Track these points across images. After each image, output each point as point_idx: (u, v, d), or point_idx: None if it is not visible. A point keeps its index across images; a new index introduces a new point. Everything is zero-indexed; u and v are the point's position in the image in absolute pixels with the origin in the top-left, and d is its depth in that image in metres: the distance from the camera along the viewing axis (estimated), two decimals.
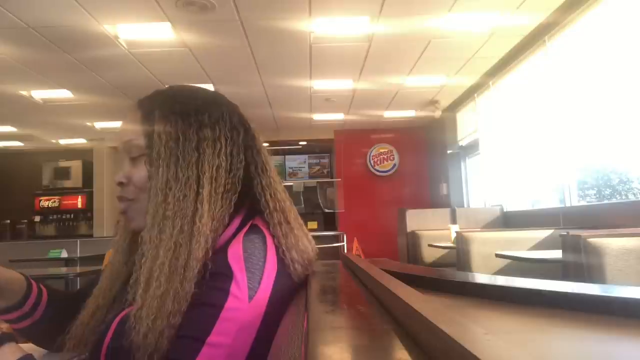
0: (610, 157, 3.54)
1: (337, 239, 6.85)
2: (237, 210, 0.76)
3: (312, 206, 8.09)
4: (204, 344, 0.62)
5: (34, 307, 0.85)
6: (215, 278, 0.66)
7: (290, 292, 0.74)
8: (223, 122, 0.76)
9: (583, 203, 3.72)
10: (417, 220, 4.84)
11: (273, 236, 0.75)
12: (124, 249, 0.82)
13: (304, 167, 8.49)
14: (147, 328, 0.64)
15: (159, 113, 0.75)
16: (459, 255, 3.19)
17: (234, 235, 0.73)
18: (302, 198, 8.22)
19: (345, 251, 6.65)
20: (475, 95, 5.34)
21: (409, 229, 4.80)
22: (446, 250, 4.02)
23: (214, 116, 0.76)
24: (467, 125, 5.78)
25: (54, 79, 4.65)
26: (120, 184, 0.77)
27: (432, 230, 4.57)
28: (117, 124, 6.63)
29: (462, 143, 6.02)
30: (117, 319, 0.70)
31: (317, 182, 8.25)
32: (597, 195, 3.77)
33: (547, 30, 3.71)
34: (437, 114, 6.06)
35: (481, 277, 0.75)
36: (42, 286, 0.89)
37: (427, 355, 0.34)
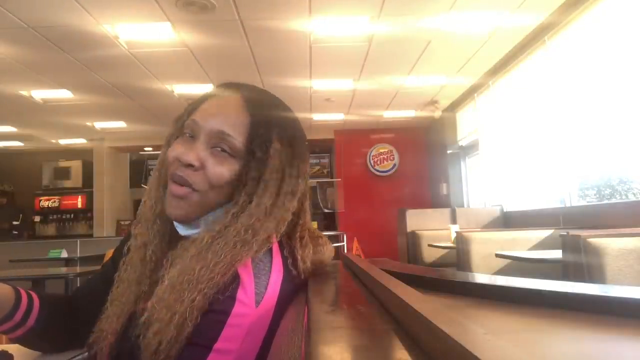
0: (611, 157, 3.54)
1: (337, 239, 6.85)
2: None
3: (312, 206, 8.07)
4: (211, 351, 0.62)
5: (25, 317, 0.81)
6: (224, 285, 0.66)
7: (297, 294, 0.74)
8: (303, 161, 0.78)
9: (583, 203, 3.72)
10: (417, 220, 4.84)
11: (280, 242, 0.75)
12: (146, 243, 0.77)
13: None
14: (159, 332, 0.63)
15: (277, 132, 0.73)
16: (459, 255, 3.19)
17: None
18: None
19: (345, 251, 6.65)
20: (475, 95, 5.34)
21: (409, 229, 4.80)
22: (446, 250, 4.02)
23: (306, 151, 0.78)
24: (467, 125, 5.78)
25: (54, 79, 4.65)
26: (190, 166, 0.70)
27: (432, 230, 4.57)
28: (117, 124, 6.62)
29: (462, 143, 6.02)
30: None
31: (317, 182, 8.25)
32: (597, 195, 3.77)
33: (547, 30, 3.71)
34: (437, 114, 6.06)
35: (481, 277, 0.75)
36: (32, 293, 0.85)
37: (427, 355, 0.34)
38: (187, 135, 0.73)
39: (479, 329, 0.33)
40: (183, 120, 0.75)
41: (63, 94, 5.05)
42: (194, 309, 0.64)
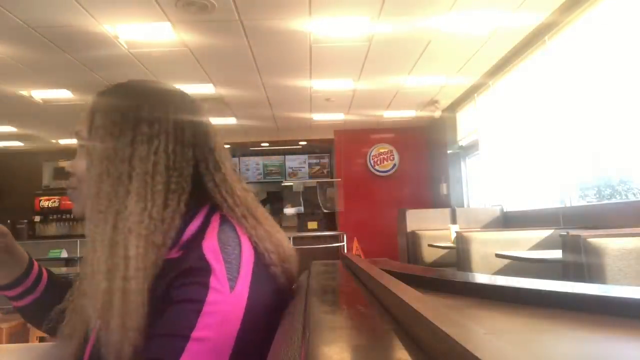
0: (611, 157, 3.54)
1: (337, 239, 6.85)
2: (198, 208, 0.75)
3: (312, 206, 8.09)
4: (189, 340, 0.61)
5: (34, 284, 0.88)
6: (192, 274, 0.65)
7: (270, 284, 0.73)
8: (166, 118, 0.74)
9: (583, 203, 3.72)
10: (417, 220, 4.84)
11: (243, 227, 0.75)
12: None
13: (304, 167, 8.49)
14: (100, 323, 0.65)
15: (103, 106, 0.75)
16: (459, 255, 3.19)
17: (200, 230, 0.72)
18: (302, 198, 8.22)
19: (345, 251, 6.65)
20: (475, 95, 5.34)
21: (409, 229, 4.80)
22: (446, 250, 4.02)
23: (157, 112, 0.74)
24: (467, 125, 5.78)
25: (54, 79, 4.65)
26: (68, 172, 0.79)
27: (432, 230, 4.57)
28: None
29: (462, 143, 6.02)
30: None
31: (317, 182, 8.25)
32: (597, 195, 3.77)
33: (547, 30, 3.71)
34: (437, 114, 6.06)
35: (481, 277, 0.75)
36: (42, 267, 0.92)
37: (427, 355, 0.34)
38: None
39: (479, 329, 0.33)
40: None
41: (63, 94, 5.05)
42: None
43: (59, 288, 0.92)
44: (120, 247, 0.66)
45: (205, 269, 0.65)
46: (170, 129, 0.73)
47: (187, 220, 0.73)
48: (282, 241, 0.79)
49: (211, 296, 0.63)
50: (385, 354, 0.36)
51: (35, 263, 0.90)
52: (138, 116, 0.73)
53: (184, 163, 0.73)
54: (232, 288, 0.65)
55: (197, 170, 0.75)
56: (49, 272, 0.94)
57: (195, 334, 0.62)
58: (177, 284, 0.65)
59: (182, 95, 0.81)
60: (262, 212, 0.81)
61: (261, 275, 0.71)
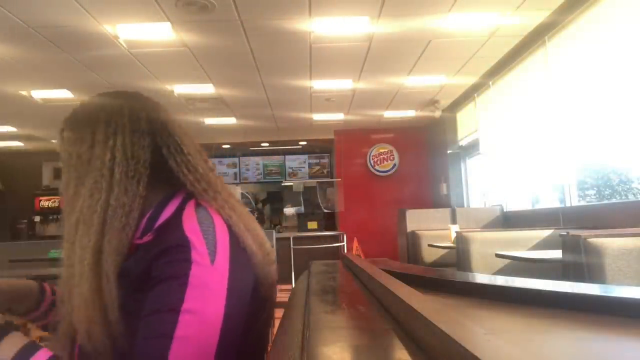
0: (610, 157, 3.54)
1: (337, 239, 6.85)
2: (171, 195, 0.80)
3: (312, 206, 8.10)
4: (180, 313, 0.64)
5: (50, 306, 0.95)
6: (172, 252, 0.69)
7: (246, 265, 0.76)
8: (121, 113, 0.80)
9: (583, 203, 3.72)
10: (417, 220, 4.84)
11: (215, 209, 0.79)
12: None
13: (304, 167, 8.50)
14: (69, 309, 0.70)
15: (67, 124, 0.82)
16: (459, 255, 3.19)
17: (175, 215, 0.76)
18: (302, 198, 8.22)
19: (345, 251, 6.65)
20: (475, 95, 5.34)
21: (409, 229, 4.80)
22: (446, 250, 4.02)
23: (109, 112, 0.80)
24: (467, 125, 5.78)
25: (54, 79, 4.65)
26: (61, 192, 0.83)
27: (432, 230, 4.57)
28: None
29: (462, 143, 6.02)
30: None
31: (317, 182, 8.25)
32: (597, 195, 3.77)
33: (547, 30, 3.71)
34: (437, 114, 6.06)
35: (481, 277, 0.75)
36: (54, 288, 0.98)
37: (427, 355, 0.34)
38: None
39: (479, 329, 0.33)
40: None
41: (63, 94, 5.05)
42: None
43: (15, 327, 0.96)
44: (78, 239, 0.72)
45: (185, 245, 0.68)
46: (127, 122, 0.79)
47: (160, 207, 0.78)
48: (256, 228, 0.83)
49: (194, 269, 0.67)
50: (385, 354, 0.36)
51: (47, 288, 0.96)
52: (96, 121, 0.79)
53: (140, 151, 0.78)
54: (212, 260, 0.69)
55: (160, 155, 0.80)
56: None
57: (185, 306, 0.64)
58: (158, 264, 0.68)
59: (137, 93, 0.88)
60: (232, 195, 0.85)
61: (237, 253, 0.74)
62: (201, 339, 0.64)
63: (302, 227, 7.38)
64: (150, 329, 0.65)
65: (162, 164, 0.79)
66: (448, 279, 0.70)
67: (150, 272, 0.68)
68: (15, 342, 0.65)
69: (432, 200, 7.11)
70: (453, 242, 3.60)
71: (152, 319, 0.65)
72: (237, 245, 0.75)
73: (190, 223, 0.72)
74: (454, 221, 4.65)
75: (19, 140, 7.30)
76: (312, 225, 7.38)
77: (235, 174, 8.46)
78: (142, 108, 0.83)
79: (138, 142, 0.78)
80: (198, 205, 0.78)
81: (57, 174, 7.90)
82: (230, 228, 0.76)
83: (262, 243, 0.82)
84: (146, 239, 0.74)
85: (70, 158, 0.78)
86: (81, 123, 0.81)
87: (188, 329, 0.63)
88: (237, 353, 0.70)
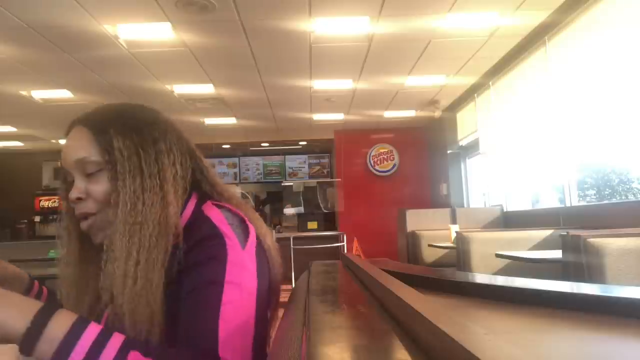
0: (610, 157, 3.55)
1: (337, 239, 6.85)
2: (186, 201, 0.85)
3: (312, 206, 8.09)
4: (224, 284, 0.71)
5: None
6: (206, 240, 0.75)
7: (266, 261, 0.83)
8: (170, 134, 0.84)
9: (583, 203, 3.72)
10: (417, 220, 4.84)
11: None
12: (77, 261, 0.86)
13: (304, 167, 8.50)
14: (131, 321, 0.70)
15: (114, 130, 0.79)
16: (459, 255, 3.19)
17: (196, 214, 0.82)
18: (302, 198, 8.22)
19: (345, 251, 6.65)
20: (475, 95, 5.34)
21: (409, 229, 4.80)
22: (446, 250, 4.02)
23: (163, 129, 0.84)
24: (467, 125, 5.78)
25: (54, 79, 4.65)
26: (79, 199, 0.80)
27: (432, 230, 4.57)
28: None
29: (462, 143, 6.02)
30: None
31: (317, 182, 8.25)
32: (597, 195, 3.77)
33: (547, 30, 3.71)
34: (437, 114, 6.06)
35: (481, 277, 0.75)
36: (42, 287, 0.95)
37: (427, 355, 0.34)
38: (69, 180, 0.83)
39: (479, 329, 0.33)
40: (63, 174, 0.86)
41: (63, 94, 5.05)
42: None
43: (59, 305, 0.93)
44: (157, 247, 0.74)
45: (218, 234, 0.75)
46: (176, 142, 0.84)
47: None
48: (267, 230, 0.90)
49: (230, 251, 0.74)
50: (385, 354, 0.36)
51: (36, 283, 0.93)
52: (153, 134, 0.82)
53: (186, 171, 0.84)
54: (243, 247, 0.76)
55: (193, 176, 0.86)
56: (49, 291, 0.96)
57: (228, 278, 0.71)
58: (193, 254, 0.74)
59: (161, 112, 0.91)
60: (252, 209, 0.93)
61: (261, 247, 0.82)
62: (244, 306, 0.72)
63: (302, 227, 7.38)
64: (197, 301, 0.70)
65: (193, 184, 0.86)
66: (448, 279, 0.70)
67: (184, 265, 0.74)
68: (65, 318, 0.64)
69: (432, 200, 7.11)
70: (453, 242, 3.60)
71: (197, 293, 0.71)
72: (259, 241, 0.82)
73: (217, 217, 0.78)
74: (454, 221, 4.65)
75: (19, 140, 7.30)
76: (312, 225, 7.38)
77: (235, 174, 8.46)
78: (180, 130, 0.89)
79: (185, 162, 0.84)
80: (219, 206, 0.83)
81: (57, 174, 7.90)
82: (256, 230, 0.83)
83: (274, 244, 0.89)
84: (176, 242, 0.77)
85: (135, 167, 0.78)
86: (134, 130, 0.81)
87: (233, 296, 0.70)
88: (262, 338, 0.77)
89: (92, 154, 0.79)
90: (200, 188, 0.87)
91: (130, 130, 0.80)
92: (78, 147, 0.80)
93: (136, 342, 0.66)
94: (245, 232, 0.79)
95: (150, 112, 0.88)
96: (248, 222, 0.82)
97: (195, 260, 0.73)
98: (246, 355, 0.69)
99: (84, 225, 0.81)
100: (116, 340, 0.63)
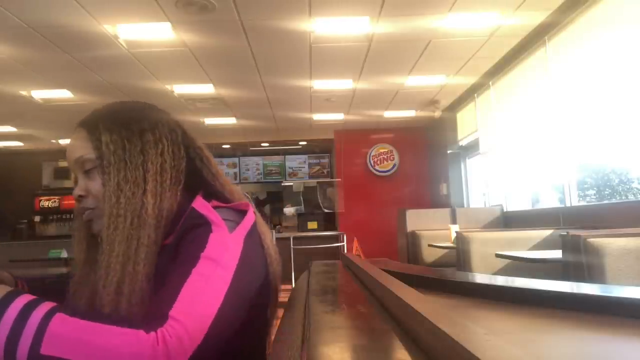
0: (610, 157, 3.54)
1: (337, 239, 6.85)
2: (192, 197, 0.85)
3: (312, 206, 8.09)
4: (199, 258, 0.70)
5: None
6: (193, 226, 0.76)
7: (260, 259, 0.83)
8: (161, 125, 0.85)
9: (583, 203, 3.72)
10: (417, 220, 4.84)
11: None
12: (84, 261, 0.87)
13: (304, 167, 8.50)
14: (114, 314, 0.72)
15: (102, 126, 0.83)
16: (459, 255, 3.19)
17: (184, 208, 0.82)
18: (302, 198, 8.22)
19: (345, 251, 6.65)
20: (475, 95, 5.34)
21: (409, 229, 4.80)
22: (446, 250, 4.02)
23: (152, 122, 0.85)
24: (467, 125, 5.78)
25: (54, 79, 4.65)
26: (80, 197, 0.83)
27: (432, 230, 4.57)
28: None
29: (462, 143, 6.02)
30: None
31: (317, 182, 8.25)
32: (597, 195, 3.77)
33: (547, 30, 3.71)
34: (437, 114, 6.06)
35: (481, 277, 0.75)
36: (25, 286, 0.95)
37: (427, 355, 0.34)
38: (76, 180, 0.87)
39: (479, 329, 0.33)
40: (74, 175, 0.88)
41: (63, 94, 5.05)
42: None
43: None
44: (134, 240, 0.75)
45: (205, 223, 0.76)
46: (167, 134, 0.85)
47: (182, 210, 0.82)
48: (267, 229, 0.91)
49: (214, 234, 0.74)
50: (385, 354, 0.36)
51: (19, 283, 0.93)
52: (141, 127, 0.83)
53: (179, 161, 0.85)
54: (230, 231, 0.76)
55: (192, 166, 0.87)
56: (31, 289, 0.95)
57: (204, 254, 0.71)
58: (180, 242, 0.75)
59: (156, 106, 0.93)
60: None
61: (255, 245, 0.82)
62: (216, 280, 0.70)
63: (302, 227, 7.38)
64: (170, 276, 0.71)
65: (192, 174, 0.87)
66: (448, 279, 0.69)
67: (172, 255, 0.75)
68: (22, 300, 0.63)
69: (432, 200, 7.10)
70: (453, 242, 3.60)
71: (172, 270, 0.72)
72: (255, 238, 0.82)
73: (205, 207, 0.79)
74: (454, 221, 4.65)
75: (19, 140, 7.30)
76: (312, 225, 7.38)
77: (235, 174, 8.46)
78: (175, 122, 0.90)
79: (178, 152, 0.85)
80: (219, 206, 0.84)
81: (57, 174, 7.90)
82: (255, 222, 0.83)
83: (274, 244, 0.89)
84: (171, 239, 0.79)
85: (120, 160, 0.80)
86: (122, 125, 0.83)
87: (205, 269, 0.70)
88: (239, 345, 0.75)
89: (87, 152, 0.82)
90: (202, 176, 0.88)
91: (119, 125, 0.83)
92: (76, 147, 0.84)
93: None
94: (237, 220, 0.80)
95: (142, 105, 0.90)
96: (250, 215, 0.83)
97: (180, 249, 0.75)
98: (204, 324, 0.65)
99: (84, 218, 0.85)
100: (46, 305, 0.63)
